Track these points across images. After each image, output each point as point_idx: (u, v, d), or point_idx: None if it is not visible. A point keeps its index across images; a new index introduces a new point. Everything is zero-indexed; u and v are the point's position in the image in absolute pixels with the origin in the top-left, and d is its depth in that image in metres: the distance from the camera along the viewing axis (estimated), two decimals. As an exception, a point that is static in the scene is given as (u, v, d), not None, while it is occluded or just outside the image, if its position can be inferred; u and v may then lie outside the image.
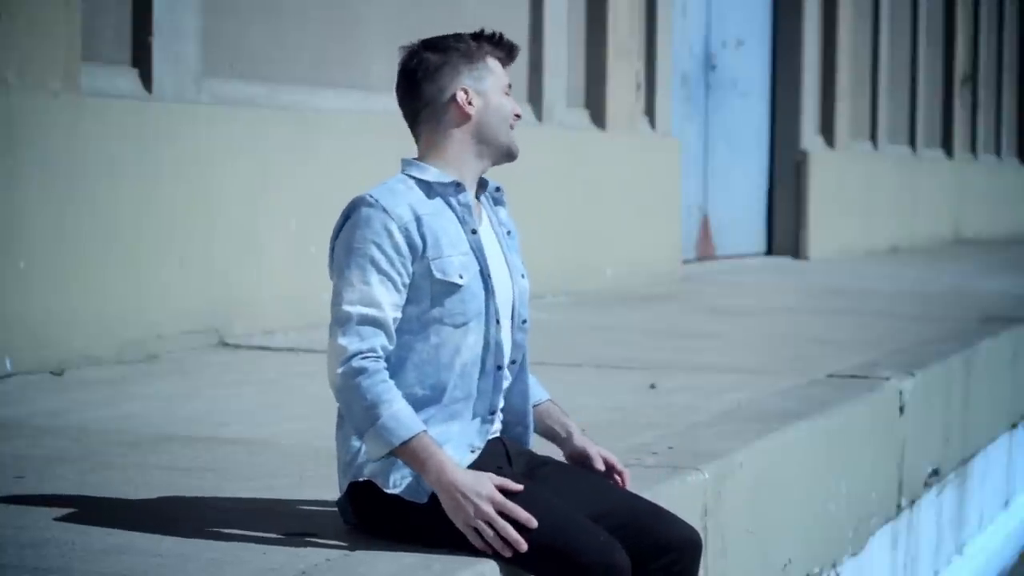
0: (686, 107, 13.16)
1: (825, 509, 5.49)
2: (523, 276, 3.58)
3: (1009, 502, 8.65)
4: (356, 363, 3.30)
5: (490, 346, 3.47)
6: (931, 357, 7.06)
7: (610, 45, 11.08)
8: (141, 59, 7.05)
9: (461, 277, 3.41)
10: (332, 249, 3.44)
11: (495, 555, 3.27)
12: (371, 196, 3.40)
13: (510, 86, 3.56)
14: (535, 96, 10.36)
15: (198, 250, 7.18)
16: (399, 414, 3.28)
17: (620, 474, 3.60)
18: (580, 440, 3.63)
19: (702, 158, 13.57)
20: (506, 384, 3.55)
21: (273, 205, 7.67)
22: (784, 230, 14.92)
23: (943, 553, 7.25)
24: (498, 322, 3.49)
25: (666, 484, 4.19)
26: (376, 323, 3.33)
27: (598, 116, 11.14)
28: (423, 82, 3.49)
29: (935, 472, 6.91)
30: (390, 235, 3.36)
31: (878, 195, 16.96)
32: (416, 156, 3.54)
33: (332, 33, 8.41)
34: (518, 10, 10.17)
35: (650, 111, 11.83)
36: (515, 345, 3.56)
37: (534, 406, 3.67)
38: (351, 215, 3.40)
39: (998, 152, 22.39)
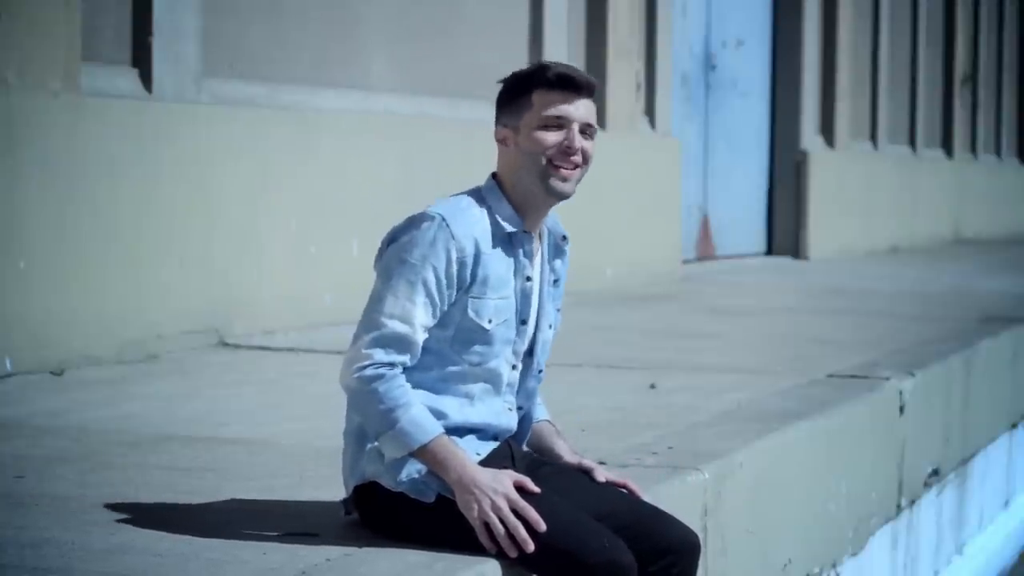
0: (686, 107, 13.16)
1: (825, 509, 5.49)
2: (550, 327, 3.56)
3: (1009, 502, 8.65)
4: (371, 371, 3.31)
5: (501, 388, 3.48)
6: (931, 357, 7.06)
7: (610, 45, 11.08)
8: (141, 59, 7.05)
9: (490, 322, 3.40)
10: (385, 246, 3.40)
11: (500, 554, 3.27)
12: (442, 216, 3.36)
13: (563, 120, 3.40)
14: (535, 96, 10.34)
15: (198, 250, 7.17)
16: (417, 417, 3.29)
17: (624, 486, 3.56)
18: (572, 459, 3.60)
19: (702, 158, 13.57)
20: (515, 418, 3.56)
21: (273, 205, 7.67)
22: (784, 230, 14.91)
23: (943, 553, 7.25)
24: (514, 367, 3.49)
25: (666, 484, 4.19)
26: (405, 342, 3.33)
27: (598, 116, 11.08)
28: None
29: (935, 472, 6.91)
30: (448, 262, 3.34)
31: (878, 195, 16.96)
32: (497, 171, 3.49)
33: (332, 33, 8.41)
34: (518, 10, 10.16)
35: (650, 111, 11.82)
36: (527, 392, 3.57)
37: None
38: (417, 226, 3.36)
39: (998, 152, 22.38)
